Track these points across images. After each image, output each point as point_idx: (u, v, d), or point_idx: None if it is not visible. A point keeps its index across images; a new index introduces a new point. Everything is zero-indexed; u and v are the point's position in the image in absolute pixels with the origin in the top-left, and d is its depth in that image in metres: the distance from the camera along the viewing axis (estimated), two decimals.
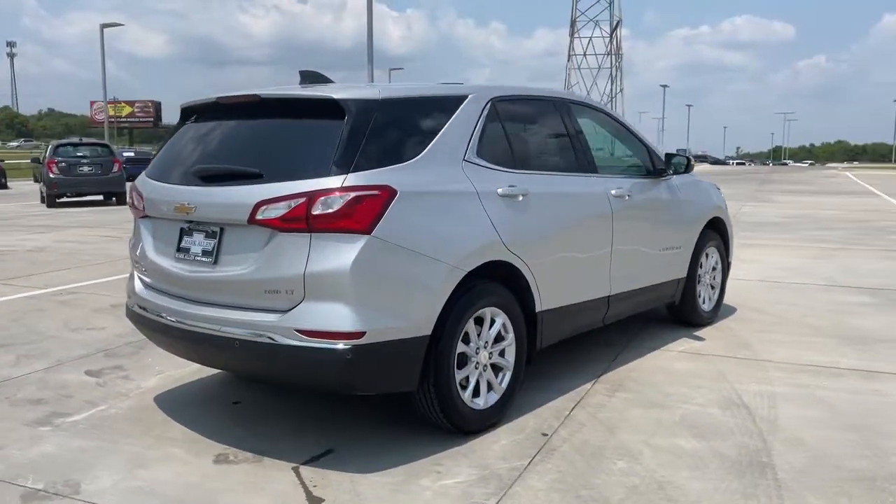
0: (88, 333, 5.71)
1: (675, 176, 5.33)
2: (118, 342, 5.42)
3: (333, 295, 3.13)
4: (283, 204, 3.17)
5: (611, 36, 78.34)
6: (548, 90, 4.58)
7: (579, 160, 4.49)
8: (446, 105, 3.74)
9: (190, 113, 3.99)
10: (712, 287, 5.98)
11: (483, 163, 3.74)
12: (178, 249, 3.59)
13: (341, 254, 3.12)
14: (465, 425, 3.59)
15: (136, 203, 3.90)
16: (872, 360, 4.94)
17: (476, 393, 3.66)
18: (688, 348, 5.24)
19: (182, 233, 3.59)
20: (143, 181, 3.88)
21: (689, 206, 5.49)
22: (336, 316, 3.12)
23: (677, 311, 5.67)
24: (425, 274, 3.36)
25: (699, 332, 5.65)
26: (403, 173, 3.33)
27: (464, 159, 3.66)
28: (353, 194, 3.13)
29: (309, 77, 3.96)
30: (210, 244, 3.45)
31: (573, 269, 4.27)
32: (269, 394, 4.32)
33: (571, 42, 79.40)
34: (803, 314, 6.30)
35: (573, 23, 78.65)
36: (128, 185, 14.49)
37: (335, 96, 3.35)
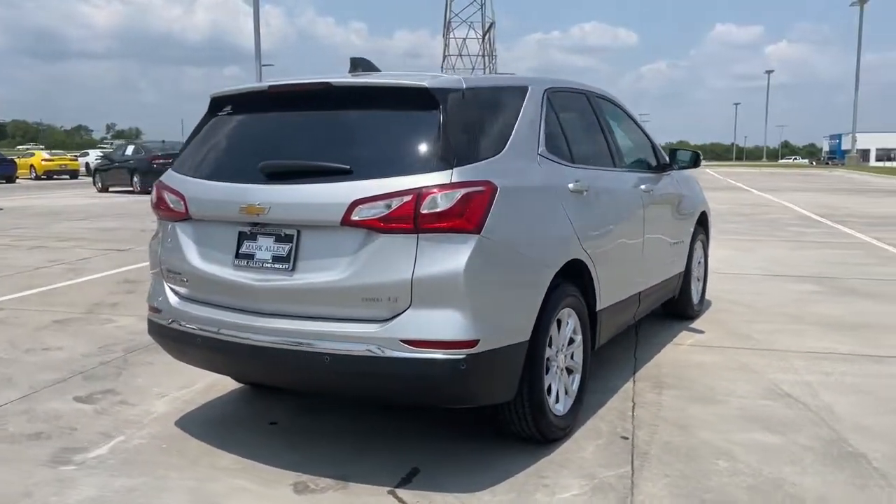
0: (47, 355, 5.04)
1: (674, 171, 5.36)
2: (90, 363, 4.81)
3: (444, 301, 2.85)
4: (383, 203, 2.86)
5: (483, 38, 79.68)
6: (579, 83, 4.46)
7: (613, 154, 4.41)
8: (515, 95, 3.54)
9: (224, 103, 3.55)
10: (698, 280, 6.08)
11: (551, 156, 3.57)
12: (238, 256, 3.18)
13: (453, 256, 2.85)
14: (550, 433, 3.40)
15: (170, 204, 3.42)
16: (866, 345, 5.16)
17: (556, 398, 3.49)
18: (696, 341, 5.29)
19: (242, 237, 3.18)
20: (183, 180, 3.40)
21: (687, 200, 5.55)
22: (448, 324, 2.85)
23: (674, 305, 5.72)
24: (526, 274, 3.16)
25: (694, 325, 5.73)
26: (497, 168, 3.10)
27: (538, 153, 3.47)
28: (462, 191, 2.87)
29: (360, 65, 3.62)
30: (283, 249, 3.07)
31: (621, 266, 4.18)
32: (302, 412, 3.94)
33: (446, 43, 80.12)
34: (772, 304, 6.53)
35: (447, 24, 79.42)
36: None
37: (427, 84, 3.07)
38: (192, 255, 3.33)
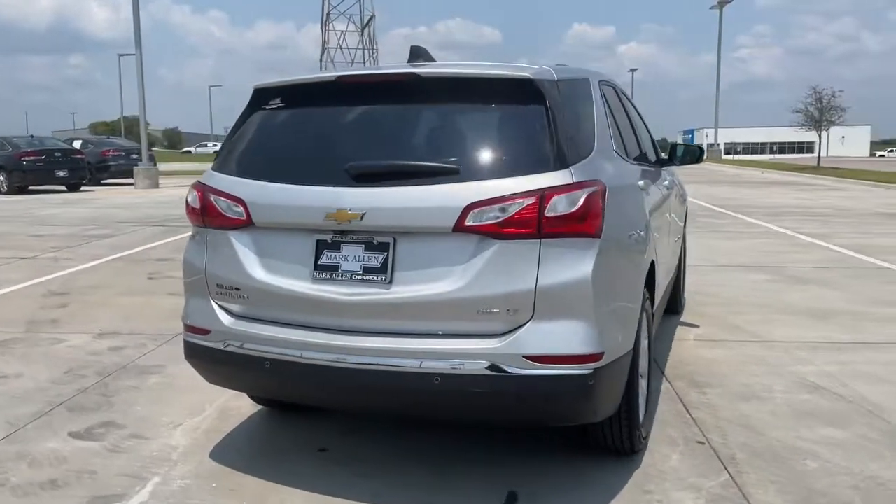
0: (8, 384, 4.37)
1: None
2: (66, 391, 4.21)
3: (569, 312, 2.62)
4: (501, 206, 2.59)
5: (362, 31, 78.64)
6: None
7: (644, 149, 4.32)
8: (586, 88, 3.35)
9: (271, 95, 3.13)
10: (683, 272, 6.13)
11: (620, 153, 3.41)
12: (318, 267, 2.81)
13: (579, 262, 2.63)
14: (638, 444, 3.25)
15: (223, 211, 2.99)
16: (853, 332, 5.36)
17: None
18: (697, 336, 5.31)
19: (321, 247, 2.81)
20: (241, 182, 2.96)
21: (681, 194, 5.56)
22: (574, 336, 2.62)
23: (669, 299, 5.72)
24: (629, 279, 2.99)
25: (684, 319, 5.76)
26: (597, 166, 2.90)
27: (613, 149, 3.30)
28: (585, 191, 2.65)
29: (421, 54, 3.30)
30: (377, 259, 2.73)
31: (664, 265, 4.09)
32: (344, 434, 3.59)
33: (325, 35, 78.38)
34: (738, 294, 6.71)
35: (327, 15, 77.70)
36: None
37: (532, 76, 2.81)
38: (255, 268, 2.92)
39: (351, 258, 2.76)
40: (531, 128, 2.75)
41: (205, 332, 3.05)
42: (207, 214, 3.04)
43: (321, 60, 76.19)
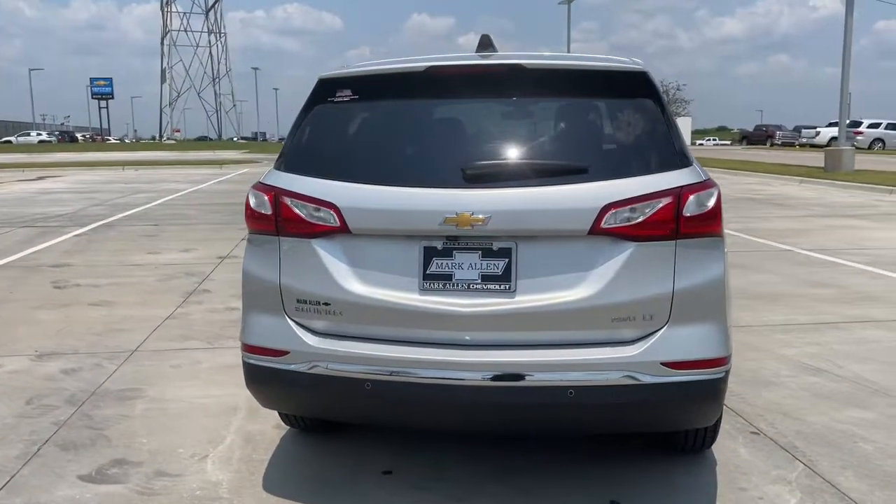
0: None
1: None
2: (43, 426, 3.64)
3: (704, 314, 2.55)
4: (636, 206, 2.46)
5: (207, 13, 74.67)
6: None
7: None
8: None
9: (341, 87, 2.80)
10: None
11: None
12: (427, 277, 2.55)
13: (712, 263, 2.56)
14: (712, 441, 3.24)
15: (306, 217, 2.64)
16: (809, 313, 5.70)
17: None
18: None
19: (430, 254, 2.56)
20: (336, 186, 2.61)
21: None
22: (707, 340, 2.55)
23: None
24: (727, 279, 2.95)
25: None
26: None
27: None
28: (715, 189, 2.58)
29: (489, 44, 3.07)
30: (498, 266, 2.52)
31: None
32: (400, 454, 3.34)
33: (166, 17, 73.69)
34: None
35: None
36: None
37: (644, 69, 2.70)
38: (349, 280, 2.61)
39: (466, 266, 2.54)
40: (650, 123, 2.63)
41: (280, 353, 2.70)
42: (283, 220, 2.68)
43: (162, 44, 71.85)
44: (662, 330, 2.51)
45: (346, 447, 3.39)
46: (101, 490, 3.02)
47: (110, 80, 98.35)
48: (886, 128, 39.69)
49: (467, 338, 2.52)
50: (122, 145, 73.34)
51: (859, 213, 12.45)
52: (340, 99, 2.80)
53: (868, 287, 6.64)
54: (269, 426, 3.59)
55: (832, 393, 4.01)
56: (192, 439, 3.48)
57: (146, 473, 3.15)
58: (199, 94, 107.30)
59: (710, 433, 3.09)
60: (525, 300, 2.51)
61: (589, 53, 3.41)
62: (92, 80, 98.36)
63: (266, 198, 2.73)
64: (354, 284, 2.61)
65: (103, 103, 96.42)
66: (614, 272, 2.48)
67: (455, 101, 2.78)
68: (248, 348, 2.80)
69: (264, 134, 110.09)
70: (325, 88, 2.84)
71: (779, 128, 52.28)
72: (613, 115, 2.73)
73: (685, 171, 2.55)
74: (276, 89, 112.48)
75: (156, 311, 5.88)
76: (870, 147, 36.87)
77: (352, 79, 2.83)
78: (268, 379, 2.76)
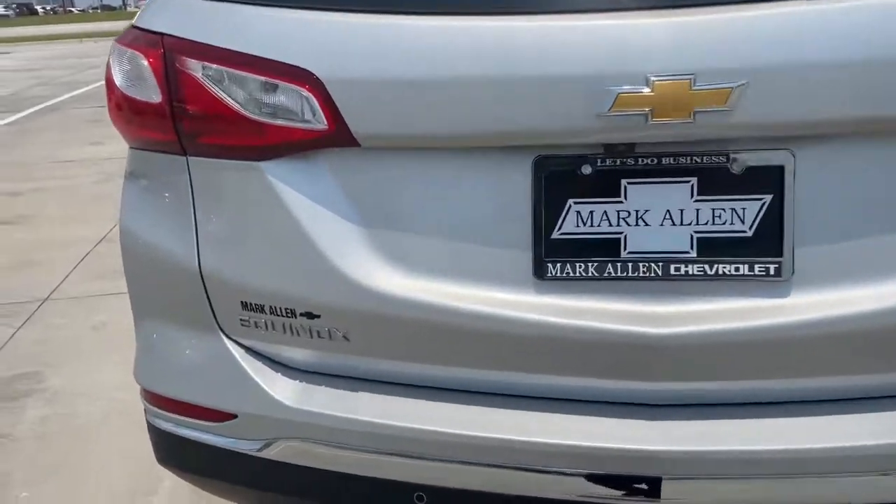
0: None
1: None
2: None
3: None
4: None
5: None
6: None
7: None
8: None
9: None
10: None
11: None
12: (550, 246, 1.02)
13: None
14: None
15: (243, 107, 1.06)
16: None
17: None
18: None
19: (565, 185, 1.01)
20: (329, 26, 1.02)
21: None
22: None
23: None
24: None
25: None
26: None
27: None
28: None
29: None
30: (748, 214, 0.99)
31: None
32: None
33: None
34: None
35: None
36: None
37: None
38: (357, 258, 1.07)
39: (663, 215, 1.00)
40: None
41: (219, 416, 1.21)
42: (192, 117, 1.11)
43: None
44: None
45: None
46: None
47: None
48: None
49: (666, 392, 1.03)
50: (85, 16, 68.50)
51: None
52: None
53: None
54: None
55: None
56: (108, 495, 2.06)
57: None
58: None
59: None
60: (817, 303, 0.99)
61: None
62: None
63: (146, 61, 1.13)
64: (375, 271, 1.07)
65: None
66: None
67: None
68: (153, 399, 1.30)
69: None
70: None
71: None
72: None
73: None
74: None
75: (85, 232, 4.35)
76: None
77: None
78: (197, 462, 1.29)
